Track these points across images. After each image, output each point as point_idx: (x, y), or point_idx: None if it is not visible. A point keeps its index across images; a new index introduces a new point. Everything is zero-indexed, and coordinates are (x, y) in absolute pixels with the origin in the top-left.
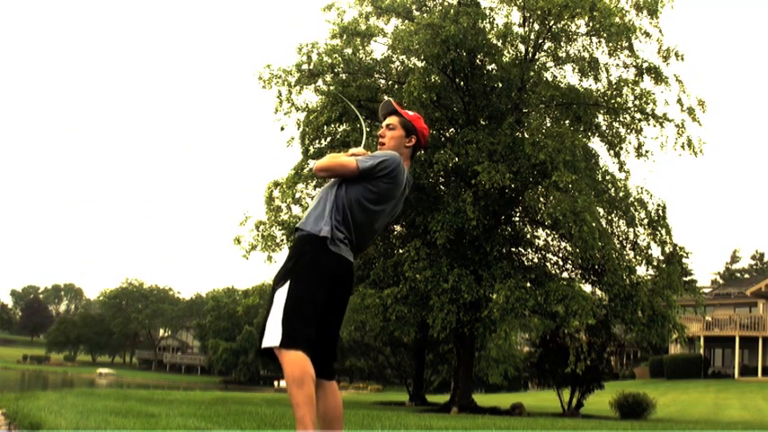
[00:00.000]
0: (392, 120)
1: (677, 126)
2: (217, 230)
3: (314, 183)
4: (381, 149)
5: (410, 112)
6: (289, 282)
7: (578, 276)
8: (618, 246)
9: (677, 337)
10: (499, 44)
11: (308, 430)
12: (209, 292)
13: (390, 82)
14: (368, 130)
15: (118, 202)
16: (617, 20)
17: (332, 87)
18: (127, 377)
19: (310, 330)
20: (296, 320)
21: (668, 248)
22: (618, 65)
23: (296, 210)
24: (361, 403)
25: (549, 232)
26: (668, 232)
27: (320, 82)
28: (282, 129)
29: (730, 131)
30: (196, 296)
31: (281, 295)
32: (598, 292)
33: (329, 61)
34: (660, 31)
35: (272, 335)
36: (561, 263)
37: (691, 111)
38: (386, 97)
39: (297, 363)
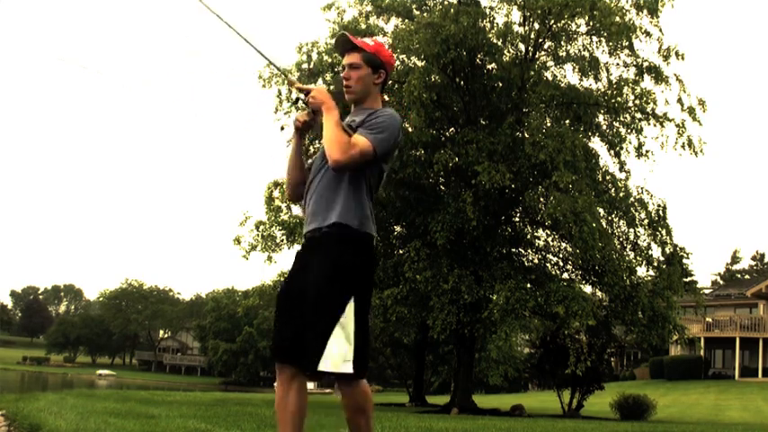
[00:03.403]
0: (353, 57)
1: (677, 126)
2: (217, 230)
3: None
4: (348, 93)
5: (370, 42)
6: (354, 299)
7: (578, 277)
8: (618, 246)
9: (677, 339)
10: (499, 43)
11: None
12: (210, 293)
13: (390, 81)
14: (303, 106)
15: (118, 202)
16: (617, 19)
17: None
18: (127, 378)
19: (368, 337)
20: (365, 347)
21: (668, 249)
22: (618, 64)
23: (296, 210)
24: None
25: (549, 233)
26: (668, 233)
27: (320, 81)
28: (283, 128)
29: (730, 131)
30: (196, 297)
31: (348, 316)
32: (598, 292)
33: (329, 60)
34: (660, 30)
35: (339, 359)
36: (561, 263)
37: (691, 110)
38: (385, 97)
39: (369, 394)
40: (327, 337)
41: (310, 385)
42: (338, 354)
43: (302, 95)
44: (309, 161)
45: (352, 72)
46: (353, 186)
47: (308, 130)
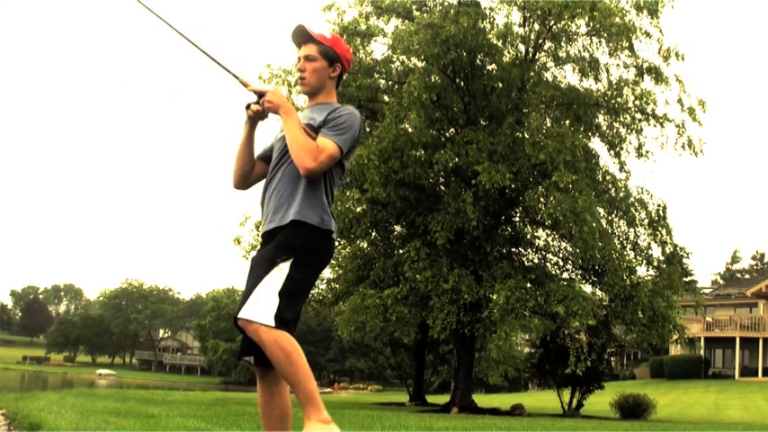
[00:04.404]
0: (310, 49)
1: (677, 126)
2: (217, 230)
3: None
4: (302, 85)
5: (327, 35)
6: (292, 261)
7: (578, 277)
8: (618, 246)
9: (678, 338)
10: (499, 44)
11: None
12: (209, 293)
13: (390, 82)
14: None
15: (118, 202)
16: (617, 20)
17: None
18: (127, 378)
19: (295, 319)
20: (293, 306)
21: (668, 249)
22: (618, 65)
23: None
24: (361, 404)
25: (549, 232)
26: (668, 232)
27: None
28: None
29: (730, 131)
30: (196, 297)
31: (279, 271)
32: (598, 292)
33: None
34: (660, 30)
35: (261, 309)
36: (561, 263)
37: (691, 111)
38: (386, 97)
39: (292, 341)
40: (253, 290)
41: None
42: (261, 304)
43: (256, 98)
44: (260, 151)
45: (308, 64)
46: (312, 184)
47: (259, 120)
